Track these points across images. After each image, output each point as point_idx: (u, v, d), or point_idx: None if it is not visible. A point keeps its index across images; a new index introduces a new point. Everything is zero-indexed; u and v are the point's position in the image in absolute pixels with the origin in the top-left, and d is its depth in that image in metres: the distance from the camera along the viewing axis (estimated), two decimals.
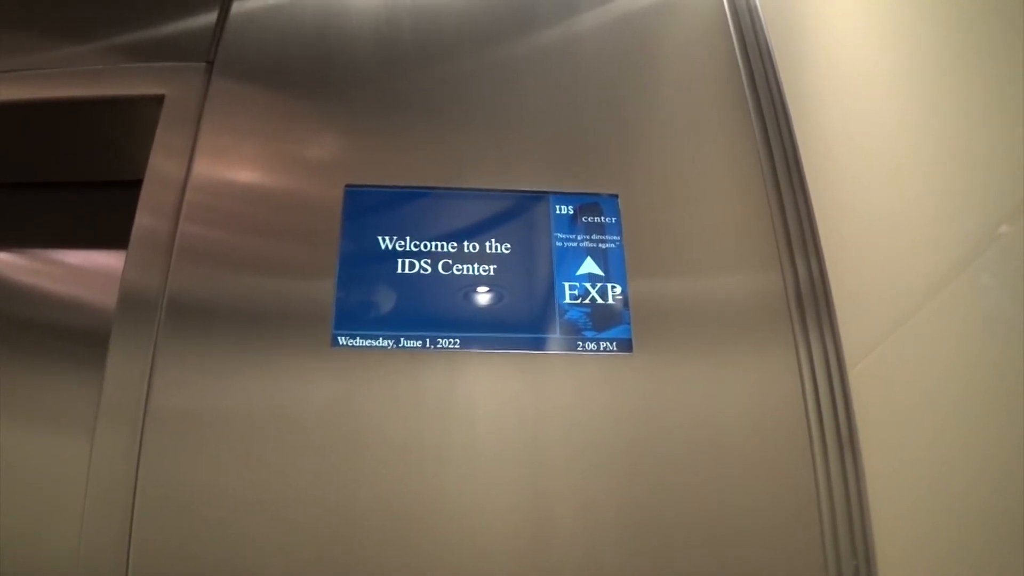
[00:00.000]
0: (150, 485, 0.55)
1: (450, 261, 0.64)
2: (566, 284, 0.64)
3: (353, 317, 0.61)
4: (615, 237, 0.66)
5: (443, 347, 0.61)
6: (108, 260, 0.78)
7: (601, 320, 0.62)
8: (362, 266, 0.63)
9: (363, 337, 0.60)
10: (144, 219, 0.65)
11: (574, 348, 0.61)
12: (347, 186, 0.66)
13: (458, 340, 0.61)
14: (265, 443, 0.56)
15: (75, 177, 0.81)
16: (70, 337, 0.74)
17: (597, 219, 0.67)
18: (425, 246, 0.65)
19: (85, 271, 0.78)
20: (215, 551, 0.53)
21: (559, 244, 0.65)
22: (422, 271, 0.64)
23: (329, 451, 0.56)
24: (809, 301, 0.64)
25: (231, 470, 0.55)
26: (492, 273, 0.64)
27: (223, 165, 0.67)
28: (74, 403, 0.69)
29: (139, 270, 0.63)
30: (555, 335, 0.62)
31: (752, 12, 0.79)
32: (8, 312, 0.76)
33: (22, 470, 0.66)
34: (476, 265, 0.64)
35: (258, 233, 0.64)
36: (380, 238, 0.65)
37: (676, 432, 0.58)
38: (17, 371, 0.72)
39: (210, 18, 0.76)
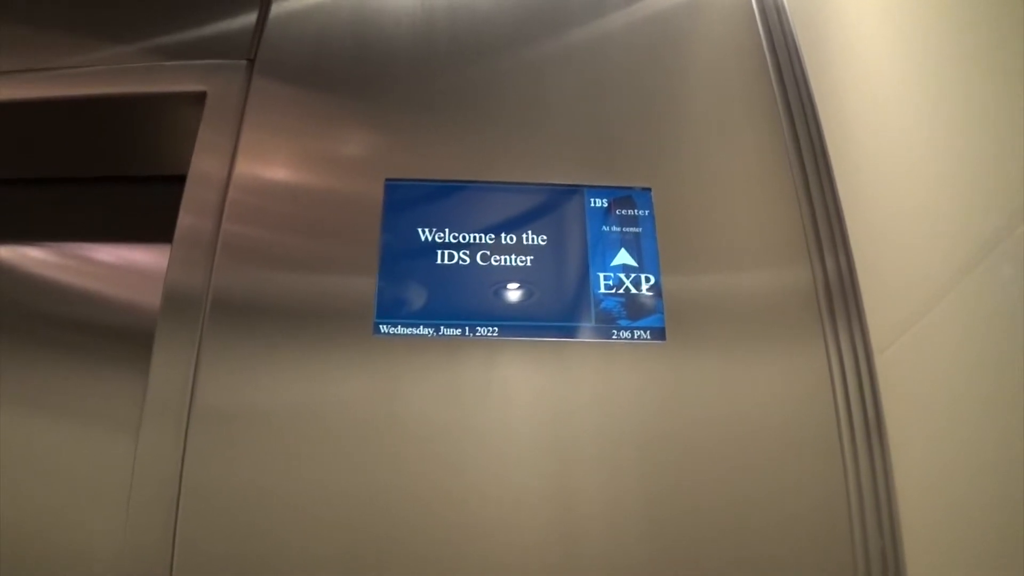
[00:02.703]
0: (195, 483, 0.55)
1: (488, 252, 0.66)
2: (600, 274, 0.65)
3: (394, 306, 0.63)
4: (648, 229, 0.67)
5: (482, 335, 0.62)
6: (151, 257, 0.79)
7: (635, 309, 0.64)
8: (403, 257, 0.65)
9: (404, 325, 0.62)
10: (187, 218, 0.65)
11: (609, 336, 0.63)
12: (387, 180, 0.68)
13: (496, 328, 0.62)
14: (308, 439, 0.57)
15: (118, 172, 0.82)
16: (114, 335, 0.74)
17: (631, 212, 0.68)
18: (464, 238, 0.66)
19: (129, 268, 0.79)
20: (259, 548, 0.54)
21: (594, 236, 0.67)
22: (461, 262, 0.65)
23: (370, 443, 0.57)
24: (837, 292, 0.65)
25: (275, 466, 0.56)
26: (529, 264, 0.65)
27: (265, 163, 0.68)
28: (119, 401, 0.69)
29: (183, 269, 0.63)
30: (590, 323, 0.63)
31: (779, 8, 0.80)
32: (52, 309, 0.77)
33: (68, 469, 0.67)
34: (513, 256, 0.66)
35: (300, 230, 0.65)
36: (420, 230, 0.66)
37: (706, 420, 0.60)
38: (62, 369, 0.72)
39: (251, 17, 0.78)
